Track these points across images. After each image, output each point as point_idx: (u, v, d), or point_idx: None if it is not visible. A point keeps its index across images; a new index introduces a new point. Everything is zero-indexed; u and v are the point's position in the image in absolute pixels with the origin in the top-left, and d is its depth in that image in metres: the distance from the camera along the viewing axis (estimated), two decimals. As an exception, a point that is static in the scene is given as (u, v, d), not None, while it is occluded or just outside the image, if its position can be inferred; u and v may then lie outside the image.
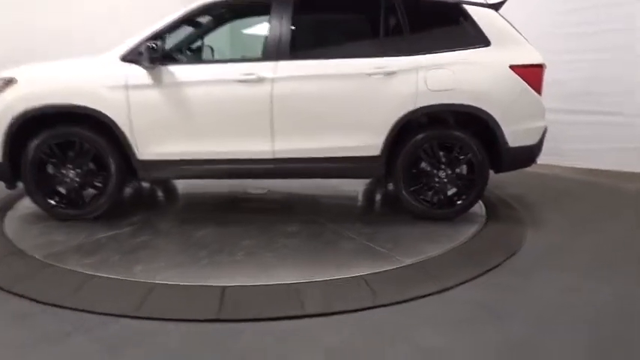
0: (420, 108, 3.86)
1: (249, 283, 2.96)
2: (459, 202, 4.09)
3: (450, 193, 4.10)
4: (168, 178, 4.88)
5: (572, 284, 3.07)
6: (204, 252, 3.41)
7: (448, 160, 4.02)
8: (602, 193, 5.13)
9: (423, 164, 4.08)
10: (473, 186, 4.04)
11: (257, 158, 3.92)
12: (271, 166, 3.94)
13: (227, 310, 2.70)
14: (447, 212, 4.09)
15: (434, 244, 3.60)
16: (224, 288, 2.89)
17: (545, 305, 2.83)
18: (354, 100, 3.87)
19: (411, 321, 2.66)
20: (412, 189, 4.06)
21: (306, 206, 4.56)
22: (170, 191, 5.18)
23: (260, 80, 3.81)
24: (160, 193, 5.16)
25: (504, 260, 3.40)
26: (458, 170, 4.07)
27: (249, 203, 4.69)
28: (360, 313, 2.73)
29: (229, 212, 4.38)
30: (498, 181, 4.48)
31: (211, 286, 2.92)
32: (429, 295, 2.91)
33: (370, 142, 3.91)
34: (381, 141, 3.90)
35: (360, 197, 5.01)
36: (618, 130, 5.56)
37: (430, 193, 4.08)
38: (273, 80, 3.82)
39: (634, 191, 5.15)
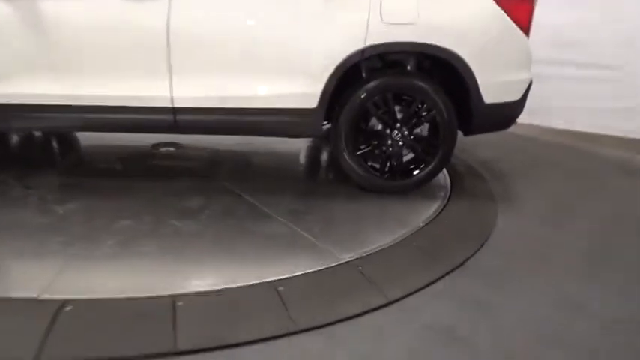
0: (371, 47, 2.88)
1: (97, 295, 2.01)
2: (416, 172, 3.19)
3: (406, 159, 3.19)
4: (19, 129, 3.78)
5: (564, 294, 2.25)
6: (58, 239, 2.42)
7: (405, 118, 3.09)
8: (584, 162, 4.31)
9: (373, 121, 3.13)
10: (435, 152, 3.14)
11: (147, 106, 2.88)
12: (169, 117, 2.92)
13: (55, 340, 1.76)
14: (402, 184, 3.19)
15: (380, 230, 2.71)
16: (63, 302, 1.93)
17: (529, 330, 1.99)
18: (281, 30, 2.85)
19: (337, 354, 1.79)
20: (357, 153, 3.12)
21: (224, 170, 3.58)
22: (67, 142, 4.07)
23: (152, -3, 2.74)
24: (54, 144, 4.06)
25: (470, 256, 2.55)
26: (417, 131, 3.15)
27: (152, 162, 3.66)
28: (262, 344, 1.83)
29: (120, 176, 3.35)
30: (466, 143, 3.58)
31: (30, 298, 1.95)
32: (365, 312, 2.03)
33: (303, 89, 2.92)
34: (319, 89, 2.92)
35: (298, 160, 4.04)
36: (614, 88, 4.70)
37: (380, 158, 3.16)
38: (169, -3, 2.75)
39: (622, 161, 4.36)
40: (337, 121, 3.06)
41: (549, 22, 3.89)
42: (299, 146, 4.15)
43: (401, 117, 3.09)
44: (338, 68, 2.90)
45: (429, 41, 2.89)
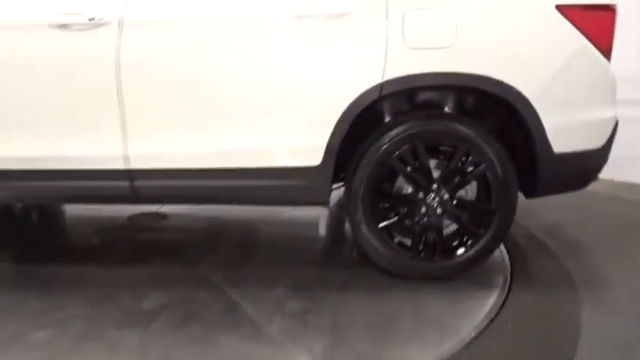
0: (392, 81, 2.10)
1: None
2: (461, 250, 2.31)
3: (447, 232, 2.33)
4: None
5: None
6: None
7: (444, 176, 2.25)
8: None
9: (400, 182, 2.31)
10: (488, 221, 2.27)
11: (94, 169, 2.17)
12: (124, 183, 2.19)
13: None
14: (442, 267, 2.32)
15: (413, 344, 1.84)
16: None
17: None
18: (266, 64, 2.12)
19: None
20: (380, 225, 2.28)
21: (214, 248, 2.79)
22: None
23: (97, 24, 2.08)
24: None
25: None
26: (462, 193, 2.30)
27: (123, 240, 2.92)
28: None
29: (75, 259, 2.61)
30: (528, 204, 2.68)
31: None
32: None
33: (301, 142, 2.16)
34: (322, 141, 2.16)
35: (317, 230, 3.22)
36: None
37: (412, 232, 2.31)
38: (120, 24, 2.08)
39: None
40: (351, 182, 2.25)
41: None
42: (320, 212, 3.35)
43: (438, 175, 2.25)
44: (348, 112, 2.13)
45: (472, 71, 2.09)
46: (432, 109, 2.35)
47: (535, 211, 3.24)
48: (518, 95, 2.11)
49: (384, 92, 2.12)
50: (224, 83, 2.13)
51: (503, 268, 2.49)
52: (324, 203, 2.30)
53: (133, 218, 3.10)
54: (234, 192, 2.25)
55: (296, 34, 2.10)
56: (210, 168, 2.18)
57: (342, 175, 2.40)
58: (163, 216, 3.13)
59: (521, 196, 2.36)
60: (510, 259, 2.60)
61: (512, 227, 2.40)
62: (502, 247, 2.65)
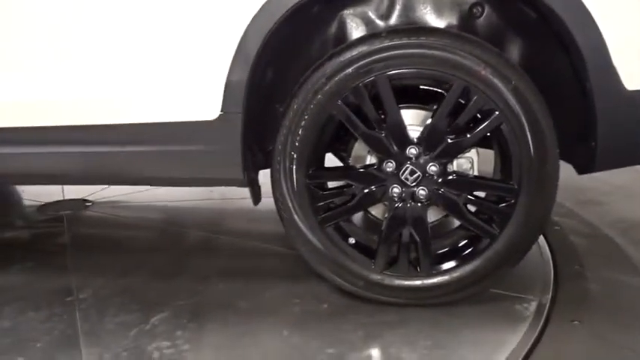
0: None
1: None
2: (451, 264, 1.40)
3: (438, 221, 1.43)
4: None
5: None
6: None
7: (430, 134, 1.34)
8: None
9: (360, 148, 1.43)
10: (507, 211, 1.33)
11: None
12: None
13: None
14: (424, 289, 1.40)
15: None
16: None
17: None
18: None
19: None
20: (323, 217, 1.39)
21: (145, 255, 2.00)
22: None
23: None
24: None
25: None
26: (461, 165, 1.38)
27: (18, 238, 2.19)
28: None
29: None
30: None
31: None
32: None
33: (183, 88, 1.33)
34: (217, 80, 1.30)
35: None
36: None
37: (376, 228, 1.41)
38: None
39: None
40: (277, 149, 1.38)
41: None
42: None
43: (419, 134, 1.34)
44: (255, 31, 1.26)
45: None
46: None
47: (597, 199, 2.22)
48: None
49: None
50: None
51: (541, 287, 1.53)
52: (238, 183, 1.42)
53: (47, 206, 2.36)
54: (89, 163, 1.44)
55: None
56: (48, 126, 1.38)
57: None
58: (85, 203, 2.37)
59: (570, 170, 1.42)
60: (555, 271, 1.63)
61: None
62: (542, 246, 1.68)
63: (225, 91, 1.32)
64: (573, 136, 1.39)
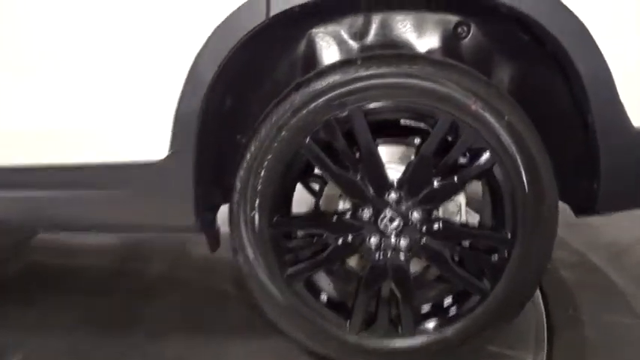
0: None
1: None
2: (433, 322, 1.22)
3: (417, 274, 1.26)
4: None
5: None
6: None
7: (412, 177, 1.15)
8: None
9: (330, 191, 1.24)
10: (498, 263, 1.16)
11: None
12: None
13: None
14: (408, 351, 1.22)
15: None
16: None
17: None
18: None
19: None
20: (290, 270, 1.20)
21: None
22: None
23: None
24: None
25: None
26: (449, 210, 1.21)
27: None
28: None
29: None
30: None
31: None
32: None
33: (125, 124, 1.13)
34: (165, 116, 1.11)
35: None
36: None
37: (352, 282, 1.23)
38: None
39: None
40: (236, 190, 1.18)
41: None
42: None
43: (402, 174, 1.16)
44: (208, 56, 1.08)
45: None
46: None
47: (587, 220, 2.07)
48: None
49: (272, 14, 1.05)
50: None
51: (534, 340, 1.38)
52: (191, 230, 1.22)
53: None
54: (19, 208, 1.23)
55: None
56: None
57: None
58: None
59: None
60: (548, 319, 1.48)
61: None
62: (535, 301, 1.52)
63: (174, 126, 1.12)
64: (571, 173, 1.23)
